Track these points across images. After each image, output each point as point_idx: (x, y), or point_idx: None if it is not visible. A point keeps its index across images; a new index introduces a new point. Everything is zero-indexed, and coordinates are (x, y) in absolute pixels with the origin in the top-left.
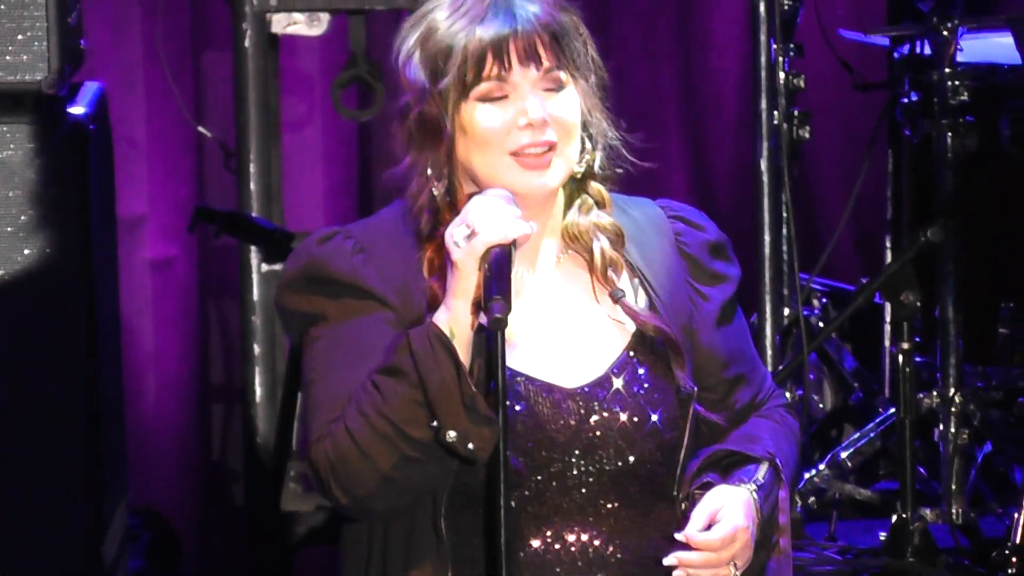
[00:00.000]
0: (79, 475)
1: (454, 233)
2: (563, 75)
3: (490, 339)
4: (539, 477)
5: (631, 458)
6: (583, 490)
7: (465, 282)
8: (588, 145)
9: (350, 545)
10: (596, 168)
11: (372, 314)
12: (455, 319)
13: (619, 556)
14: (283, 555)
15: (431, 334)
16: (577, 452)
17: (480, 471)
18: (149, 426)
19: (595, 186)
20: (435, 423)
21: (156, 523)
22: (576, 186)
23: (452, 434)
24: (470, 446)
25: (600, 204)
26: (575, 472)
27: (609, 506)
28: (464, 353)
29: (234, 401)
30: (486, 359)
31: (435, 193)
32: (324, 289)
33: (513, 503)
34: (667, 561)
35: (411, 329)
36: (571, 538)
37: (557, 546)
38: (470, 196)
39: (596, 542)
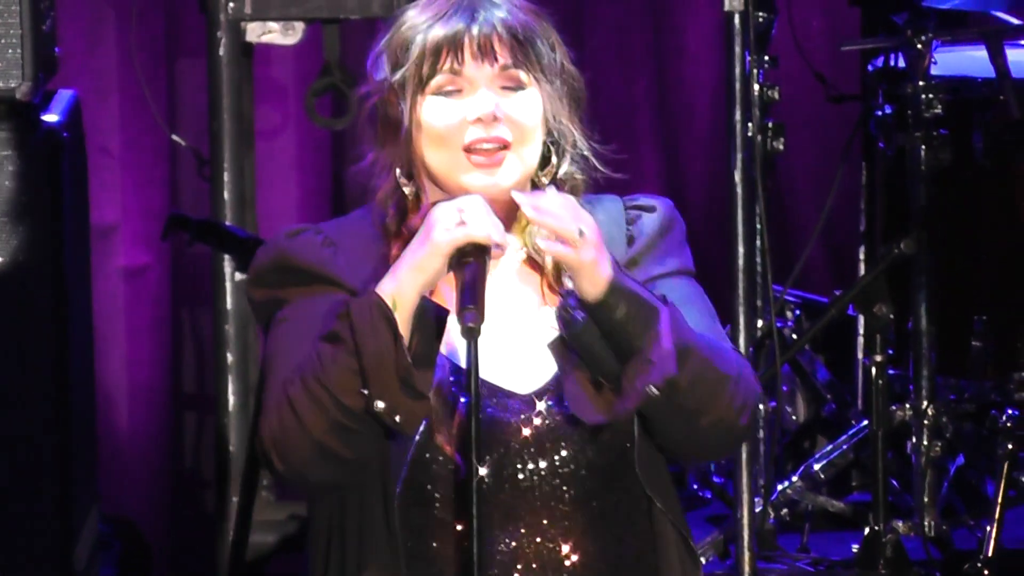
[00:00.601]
0: (49, 483)
1: (440, 212)
2: (523, 75)
3: (435, 319)
4: (492, 480)
5: (583, 458)
6: (536, 492)
7: (428, 260)
8: (554, 155)
9: (311, 543)
10: (560, 175)
11: (338, 299)
12: (400, 291)
13: (575, 558)
14: (255, 564)
15: (372, 303)
16: (528, 454)
17: (432, 469)
18: (121, 434)
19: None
20: (366, 391)
21: (128, 531)
22: None
23: (381, 404)
24: (397, 418)
25: None
26: (528, 474)
27: (564, 508)
28: (404, 326)
29: (206, 409)
30: (424, 335)
31: (403, 190)
32: (293, 278)
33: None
34: (514, 195)
35: (353, 298)
36: (528, 540)
37: (513, 546)
38: (434, 203)
39: (550, 544)
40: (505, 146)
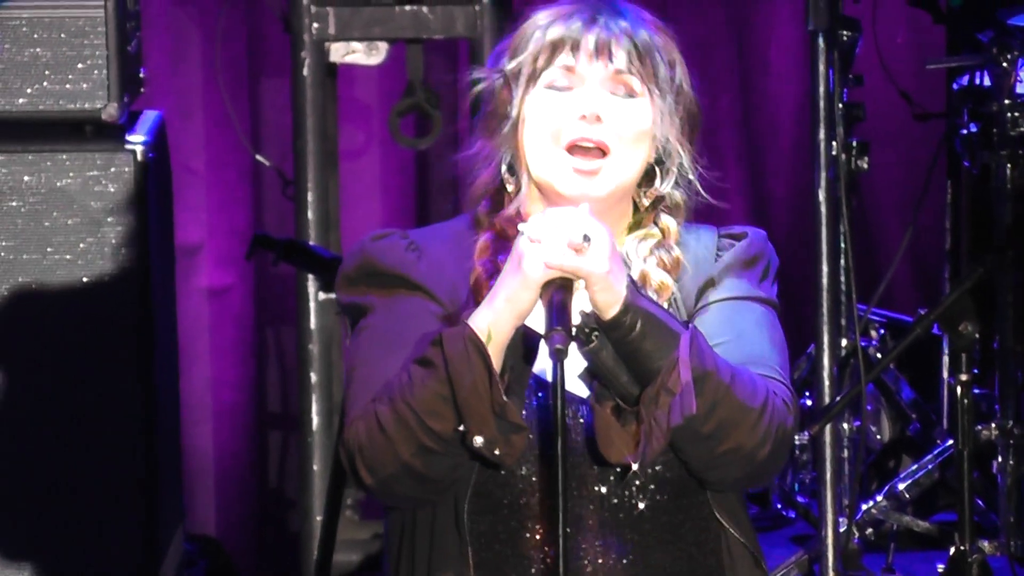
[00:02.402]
0: (136, 501)
1: (527, 245)
2: (636, 83)
3: (525, 343)
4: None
5: (652, 472)
6: (604, 504)
7: (521, 293)
8: (658, 174)
9: (387, 548)
10: (662, 195)
11: (420, 305)
12: (496, 323)
13: (641, 572)
14: None
15: (467, 337)
16: (599, 466)
17: (501, 477)
18: (206, 453)
19: (665, 219)
20: (462, 427)
21: (212, 550)
22: (645, 212)
23: (479, 440)
24: (496, 452)
25: (664, 236)
26: (598, 486)
27: (632, 521)
28: (497, 359)
29: (290, 429)
30: (516, 361)
31: (502, 182)
32: (376, 281)
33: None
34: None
35: (446, 329)
36: (596, 552)
37: (582, 558)
38: (528, 216)
39: (616, 555)
40: (604, 152)
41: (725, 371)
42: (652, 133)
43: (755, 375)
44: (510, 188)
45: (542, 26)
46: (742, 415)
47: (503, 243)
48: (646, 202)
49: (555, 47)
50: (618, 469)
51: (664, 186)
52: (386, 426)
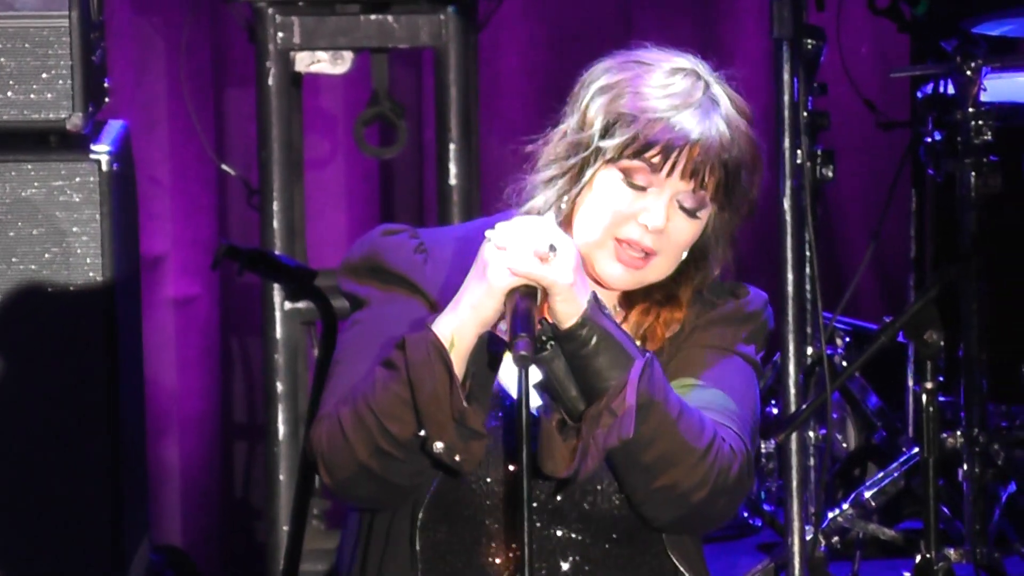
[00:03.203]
0: (101, 512)
1: (491, 252)
2: (707, 202)
3: (489, 351)
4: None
5: (607, 506)
6: (558, 533)
7: (485, 300)
8: (696, 267)
9: (341, 543)
10: (696, 288)
11: (414, 309)
12: (460, 328)
13: None
14: None
15: (429, 342)
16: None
17: (461, 487)
18: (171, 464)
19: (687, 292)
20: (422, 432)
21: (178, 560)
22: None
23: (439, 445)
24: (456, 458)
25: (675, 300)
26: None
27: (584, 552)
28: (460, 365)
29: (256, 439)
30: (479, 368)
31: (561, 206)
32: (378, 276)
33: (487, 521)
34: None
35: (409, 333)
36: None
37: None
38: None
39: (564, 565)
40: (648, 254)
41: (674, 405)
42: (706, 238)
43: (707, 418)
44: (564, 207)
45: (649, 112)
46: (683, 453)
47: None
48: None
49: (650, 144)
50: (551, 484)
51: (699, 275)
52: (346, 427)
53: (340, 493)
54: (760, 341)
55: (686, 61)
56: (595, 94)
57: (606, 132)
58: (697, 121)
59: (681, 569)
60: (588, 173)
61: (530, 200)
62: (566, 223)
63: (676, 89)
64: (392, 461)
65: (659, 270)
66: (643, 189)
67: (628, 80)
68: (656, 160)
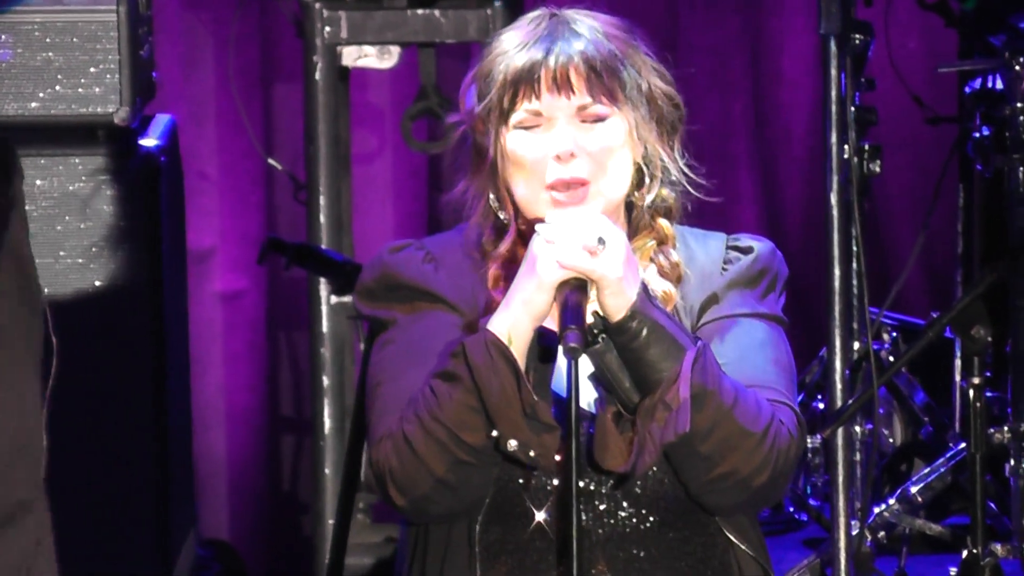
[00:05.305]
0: (147, 506)
1: (541, 246)
2: (602, 107)
3: (541, 344)
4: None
5: (660, 488)
6: (612, 519)
7: (537, 295)
8: (646, 177)
9: (399, 552)
10: (654, 201)
11: (441, 319)
12: (515, 325)
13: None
14: None
15: (488, 342)
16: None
17: (513, 487)
18: (218, 458)
19: (661, 222)
20: (495, 432)
21: (225, 554)
22: (643, 219)
23: (513, 443)
24: (531, 454)
25: (662, 240)
26: (606, 500)
27: (640, 536)
28: (521, 361)
29: (303, 433)
30: (537, 365)
31: (499, 216)
32: (396, 295)
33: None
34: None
35: (467, 338)
36: (602, 566)
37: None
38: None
39: (623, 571)
40: (583, 184)
41: (728, 392)
42: (630, 143)
43: (762, 399)
44: (502, 215)
45: (502, 62)
46: (742, 439)
47: (514, 269)
48: (642, 203)
49: (517, 86)
50: (610, 478)
51: (650, 193)
52: (416, 445)
53: (414, 511)
54: (778, 289)
55: (543, 9)
56: (466, 89)
57: (479, 102)
58: (547, 44)
59: (736, 542)
60: (491, 148)
61: (465, 210)
62: (504, 204)
63: (525, 35)
64: (469, 470)
65: (604, 191)
66: (537, 127)
67: (486, 54)
68: (525, 95)
